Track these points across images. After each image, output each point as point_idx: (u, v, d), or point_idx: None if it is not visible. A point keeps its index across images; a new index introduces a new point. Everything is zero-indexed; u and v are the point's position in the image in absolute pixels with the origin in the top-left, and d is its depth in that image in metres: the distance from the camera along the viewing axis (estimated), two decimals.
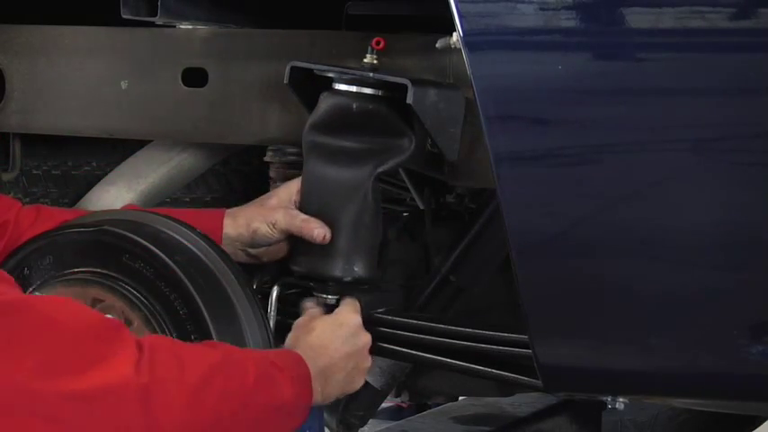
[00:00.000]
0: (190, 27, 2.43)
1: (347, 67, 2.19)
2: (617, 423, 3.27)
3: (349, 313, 2.14)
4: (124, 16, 2.28)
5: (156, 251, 2.08)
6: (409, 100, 2.06)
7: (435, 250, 2.43)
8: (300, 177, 2.25)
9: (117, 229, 2.12)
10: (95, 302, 2.06)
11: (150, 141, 2.62)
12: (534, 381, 2.07)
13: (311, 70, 2.20)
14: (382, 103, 2.16)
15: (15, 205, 2.22)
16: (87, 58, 2.50)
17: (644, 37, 1.86)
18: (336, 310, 2.16)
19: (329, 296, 2.20)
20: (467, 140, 2.14)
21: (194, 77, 2.42)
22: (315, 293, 2.21)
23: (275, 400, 1.89)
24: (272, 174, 2.46)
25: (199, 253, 2.12)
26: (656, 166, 1.89)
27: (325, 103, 2.20)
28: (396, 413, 4.22)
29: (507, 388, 2.58)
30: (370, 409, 2.61)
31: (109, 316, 1.98)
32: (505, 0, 1.90)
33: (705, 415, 3.36)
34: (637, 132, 1.88)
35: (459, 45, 1.91)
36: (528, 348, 2.01)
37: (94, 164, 2.76)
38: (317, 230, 2.17)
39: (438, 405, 3.33)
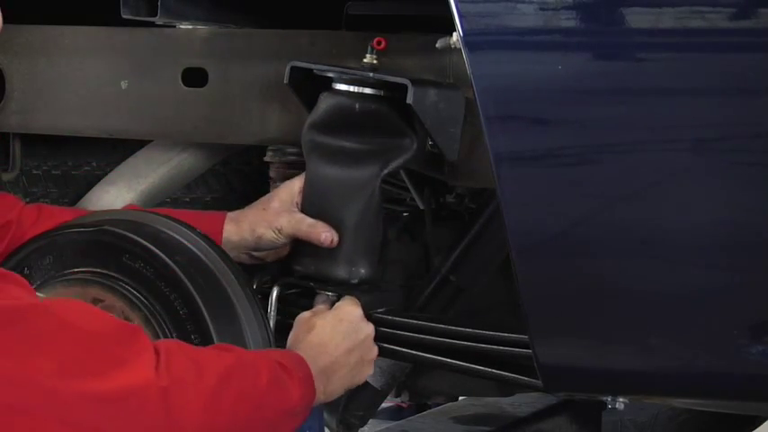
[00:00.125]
0: (190, 27, 2.43)
1: (347, 67, 2.19)
2: (617, 423, 3.28)
3: (348, 306, 2.14)
4: (124, 16, 2.28)
5: (156, 251, 2.08)
6: (409, 100, 2.06)
7: (435, 250, 2.43)
8: (300, 176, 2.25)
9: (117, 229, 2.12)
10: (95, 302, 2.06)
11: (150, 141, 2.62)
12: (534, 381, 2.07)
13: (311, 70, 2.20)
14: (382, 104, 2.16)
15: (18, 204, 2.22)
16: (87, 58, 2.50)
17: (644, 37, 1.86)
18: (336, 304, 2.16)
19: (330, 294, 2.20)
20: (467, 140, 2.14)
21: (194, 77, 2.42)
22: (318, 292, 2.21)
23: (285, 401, 1.90)
24: (272, 174, 2.46)
25: (199, 253, 2.12)
26: (655, 166, 1.89)
27: (324, 102, 2.20)
28: (396, 413, 4.22)
29: (507, 388, 2.58)
30: (370, 409, 2.61)
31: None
32: (505, 0, 1.90)
33: (705, 415, 3.36)
34: (637, 132, 1.88)
35: (459, 45, 1.91)
36: (528, 348, 2.01)
37: (94, 164, 2.76)
38: (325, 235, 2.17)
39: (438, 405, 3.33)
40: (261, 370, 1.86)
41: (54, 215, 2.22)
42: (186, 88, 2.43)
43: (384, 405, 3.16)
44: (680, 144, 1.88)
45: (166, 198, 2.68)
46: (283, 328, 2.17)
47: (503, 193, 1.92)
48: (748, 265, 1.90)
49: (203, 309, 2.04)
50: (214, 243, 2.16)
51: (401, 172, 2.39)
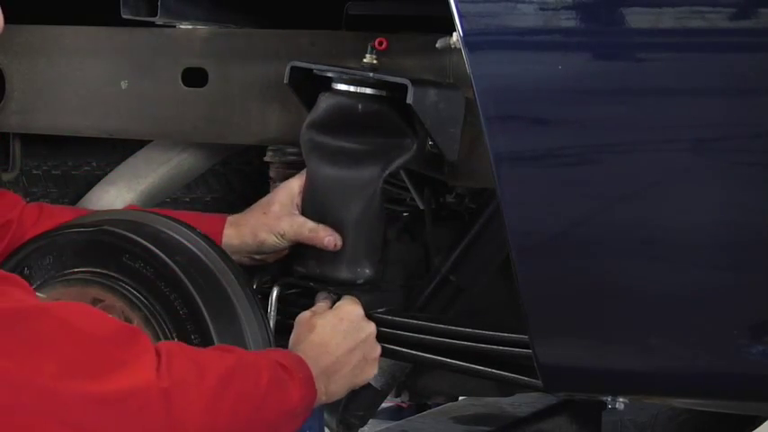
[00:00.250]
0: (190, 27, 2.43)
1: (347, 67, 2.19)
2: (617, 423, 3.28)
3: (348, 306, 2.14)
4: (124, 16, 2.28)
5: (156, 251, 2.08)
6: (409, 100, 2.06)
7: (435, 250, 2.43)
8: (298, 177, 2.25)
9: (117, 229, 2.12)
10: (95, 302, 2.06)
11: (150, 141, 2.62)
12: (534, 381, 2.07)
13: (311, 70, 2.20)
14: (383, 104, 2.16)
15: (19, 204, 2.22)
16: (87, 58, 2.50)
17: (644, 37, 1.86)
18: (336, 304, 2.16)
19: (330, 294, 2.20)
20: (467, 140, 2.14)
21: (194, 77, 2.42)
22: (318, 292, 2.21)
23: (286, 401, 1.90)
24: (272, 174, 2.46)
25: (199, 253, 2.12)
26: (655, 166, 1.89)
27: (324, 102, 2.20)
28: (396, 413, 4.22)
29: (507, 388, 2.58)
30: (370, 409, 2.61)
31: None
32: (505, 0, 1.90)
33: (705, 415, 3.36)
34: (637, 132, 1.88)
35: (459, 45, 1.91)
36: (528, 348, 2.01)
37: (94, 164, 2.76)
38: (328, 239, 2.17)
39: (438, 405, 3.33)
40: (261, 371, 1.86)
41: (55, 215, 2.22)
42: (186, 88, 2.43)
43: (384, 405, 3.16)
44: (680, 144, 1.88)
45: (166, 198, 2.68)
46: (283, 328, 2.17)
47: (503, 193, 1.92)
48: (748, 265, 1.90)
49: (203, 309, 2.04)
50: (214, 243, 2.15)
51: (401, 172, 2.39)
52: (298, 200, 2.23)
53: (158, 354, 1.75)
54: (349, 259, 2.19)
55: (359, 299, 2.16)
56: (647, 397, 2.50)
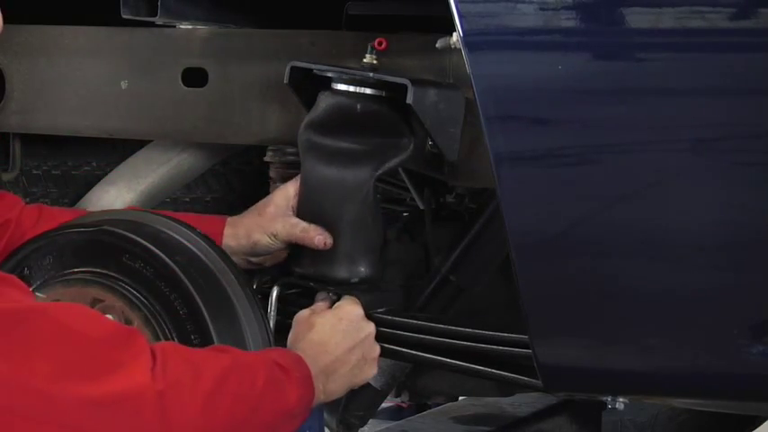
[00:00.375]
0: (190, 27, 2.43)
1: (347, 67, 2.19)
2: (617, 423, 3.28)
3: (348, 305, 2.14)
4: (124, 16, 2.28)
5: (156, 251, 2.08)
6: (409, 100, 2.06)
7: (435, 250, 2.43)
8: (295, 180, 2.25)
9: (117, 229, 2.12)
10: (95, 302, 2.06)
11: (150, 141, 2.62)
12: (534, 381, 2.07)
13: (311, 70, 2.20)
14: (382, 104, 2.16)
15: (18, 204, 2.22)
16: (87, 58, 2.50)
17: (644, 37, 1.86)
18: (336, 304, 2.16)
19: (330, 293, 2.20)
20: (467, 140, 2.14)
21: (194, 77, 2.42)
22: (318, 291, 2.21)
23: (283, 402, 1.89)
24: (271, 174, 2.47)
25: (199, 253, 2.12)
26: (655, 166, 1.89)
27: (324, 102, 2.20)
28: (396, 413, 4.22)
29: (507, 388, 2.58)
30: (370, 409, 2.61)
31: (109, 316, 1.99)
32: (505, 0, 1.90)
33: (705, 415, 3.36)
34: (637, 132, 1.88)
35: (459, 45, 1.91)
36: (528, 348, 2.01)
37: (94, 164, 2.76)
38: (318, 238, 2.18)
39: (438, 405, 3.33)
40: (258, 371, 1.86)
41: (54, 216, 2.22)
42: (186, 88, 2.43)
43: (384, 405, 3.16)
44: (680, 144, 1.88)
45: (166, 198, 2.68)
46: (283, 328, 2.17)
47: (503, 193, 1.92)
48: (748, 265, 1.90)
49: (203, 309, 2.04)
50: (214, 243, 2.16)
51: (401, 172, 2.39)
52: (293, 202, 2.24)
53: (154, 355, 1.75)
54: (344, 258, 2.19)
55: (358, 299, 2.16)
56: (647, 397, 2.50)
